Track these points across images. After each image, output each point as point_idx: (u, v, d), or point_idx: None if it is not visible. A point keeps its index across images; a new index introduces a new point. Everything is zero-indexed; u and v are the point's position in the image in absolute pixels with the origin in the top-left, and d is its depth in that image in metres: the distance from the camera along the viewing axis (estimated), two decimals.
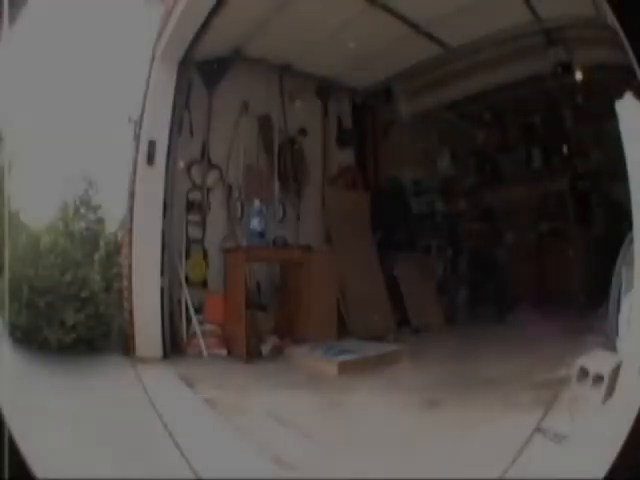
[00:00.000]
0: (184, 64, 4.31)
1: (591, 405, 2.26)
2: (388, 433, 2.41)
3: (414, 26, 4.68)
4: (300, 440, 2.36)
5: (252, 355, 4.18)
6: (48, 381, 3.33)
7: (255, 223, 4.57)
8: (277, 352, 4.30)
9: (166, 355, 4.08)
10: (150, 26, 4.28)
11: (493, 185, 7.29)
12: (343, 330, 4.92)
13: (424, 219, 6.78)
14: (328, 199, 5.68)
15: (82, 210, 5.31)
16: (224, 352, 4.30)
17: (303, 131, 5.65)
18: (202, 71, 4.80)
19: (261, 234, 4.57)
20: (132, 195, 4.19)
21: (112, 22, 5.14)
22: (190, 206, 4.75)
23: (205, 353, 4.22)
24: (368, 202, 6.03)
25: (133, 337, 4.03)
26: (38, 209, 5.22)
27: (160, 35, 4.14)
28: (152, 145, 4.13)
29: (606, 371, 2.24)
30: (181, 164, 4.61)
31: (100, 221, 5.37)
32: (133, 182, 4.20)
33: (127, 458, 2.15)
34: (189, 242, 4.69)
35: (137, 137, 4.20)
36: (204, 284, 4.69)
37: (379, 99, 6.36)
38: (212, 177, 4.92)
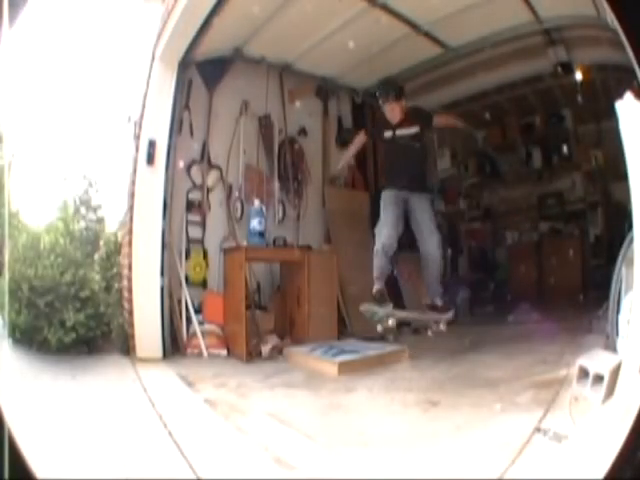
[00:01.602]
0: (184, 64, 4.31)
1: (591, 405, 2.26)
2: (388, 433, 2.41)
3: (414, 26, 4.68)
4: (300, 440, 2.35)
5: (252, 355, 4.18)
6: (48, 381, 3.34)
7: (255, 223, 4.57)
8: (277, 352, 4.30)
9: (166, 355, 4.07)
10: (150, 26, 4.28)
11: (493, 185, 7.31)
12: (343, 330, 4.92)
13: None
14: (328, 199, 5.68)
15: (82, 210, 5.33)
16: (224, 352, 4.30)
17: (303, 131, 5.64)
18: (202, 71, 4.79)
19: (261, 234, 4.56)
20: (132, 195, 4.19)
21: (112, 22, 5.16)
22: (190, 206, 4.75)
23: (205, 353, 4.23)
24: (368, 202, 6.02)
25: (133, 337, 4.03)
26: (38, 209, 5.24)
27: (160, 35, 4.14)
28: (152, 145, 4.14)
29: (606, 371, 2.24)
30: (181, 164, 4.60)
31: (100, 221, 5.39)
32: (133, 182, 4.20)
33: (127, 458, 2.15)
34: (189, 242, 4.69)
35: (137, 137, 4.20)
36: (204, 284, 4.69)
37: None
38: (212, 177, 4.91)
